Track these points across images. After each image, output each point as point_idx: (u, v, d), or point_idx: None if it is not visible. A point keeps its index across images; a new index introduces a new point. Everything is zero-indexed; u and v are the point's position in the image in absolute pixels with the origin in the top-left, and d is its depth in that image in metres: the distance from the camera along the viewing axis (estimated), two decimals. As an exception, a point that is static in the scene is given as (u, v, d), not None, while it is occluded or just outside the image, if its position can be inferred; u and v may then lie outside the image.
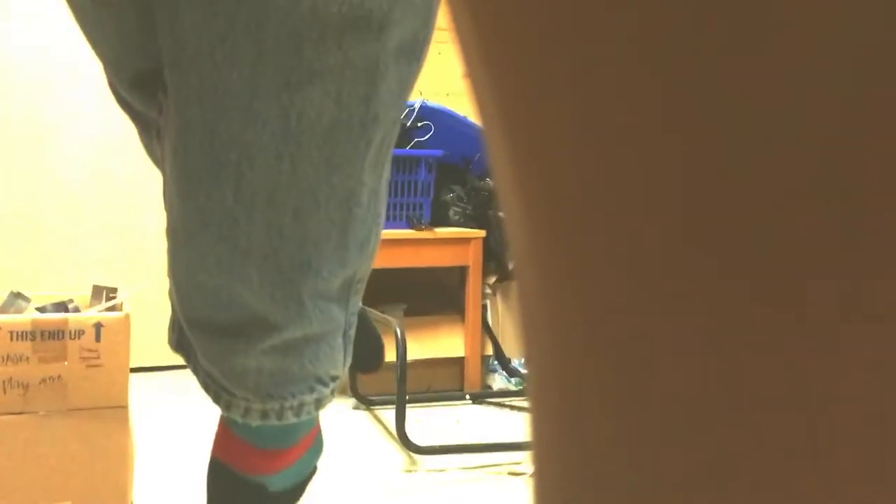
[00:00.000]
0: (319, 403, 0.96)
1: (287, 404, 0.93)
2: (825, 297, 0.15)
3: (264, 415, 0.93)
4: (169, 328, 0.99)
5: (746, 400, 0.16)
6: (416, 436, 2.06)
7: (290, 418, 0.94)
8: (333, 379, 0.96)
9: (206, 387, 0.96)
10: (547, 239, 0.19)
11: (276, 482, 1.01)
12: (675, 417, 0.17)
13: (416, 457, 2.03)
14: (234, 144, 0.80)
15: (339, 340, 0.94)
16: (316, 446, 1.06)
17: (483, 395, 2.59)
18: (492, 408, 2.52)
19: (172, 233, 0.89)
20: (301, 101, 0.79)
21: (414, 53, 0.85)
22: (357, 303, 0.96)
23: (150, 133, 0.95)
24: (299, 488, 1.05)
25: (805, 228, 0.15)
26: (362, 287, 0.96)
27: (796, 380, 0.16)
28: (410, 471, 1.96)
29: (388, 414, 2.31)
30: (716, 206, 0.16)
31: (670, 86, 0.15)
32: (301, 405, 0.94)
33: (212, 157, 0.81)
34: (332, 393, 0.97)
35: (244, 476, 0.99)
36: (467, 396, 2.58)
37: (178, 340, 0.98)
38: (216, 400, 0.95)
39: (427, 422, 2.32)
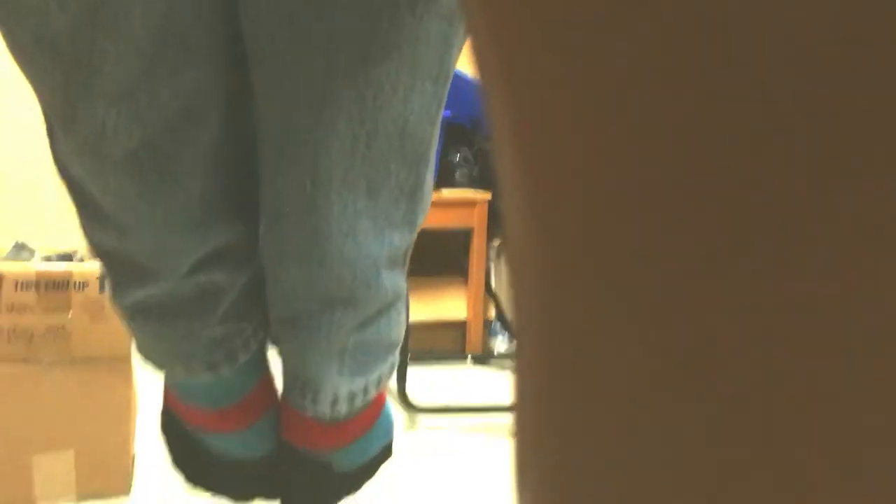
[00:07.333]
0: (392, 370, 0.95)
1: (371, 378, 0.92)
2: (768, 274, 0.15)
3: (351, 397, 0.92)
4: (254, 325, 0.96)
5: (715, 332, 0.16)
6: (416, 396, 2.07)
7: (372, 392, 0.93)
8: (398, 344, 0.95)
9: (289, 389, 0.94)
10: (541, 176, 0.19)
11: (342, 459, 0.99)
12: (649, 364, 0.17)
13: (416, 416, 2.04)
14: (310, 133, 0.77)
15: (403, 304, 0.93)
16: (383, 425, 1.02)
17: (485, 358, 2.60)
18: (493, 370, 2.53)
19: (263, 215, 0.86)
20: (377, 78, 0.74)
21: (457, 15, 0.82)
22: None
23: None
24: (366, 471, 1.02)
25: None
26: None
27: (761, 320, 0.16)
28: (410, 430, 1.98)
29: (389, 373, 2.32)
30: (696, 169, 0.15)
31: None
32: (380, 377, 0.93)
33: (287, 146, 0.78)
34: (397, 357, 0.96)
35: (311, 456, 0.98)
36: (469, 358, 2.59)
37: (274, 336, 0.95)
38: (302, 398, 0.92)
39: (428, 382, 2.34)
